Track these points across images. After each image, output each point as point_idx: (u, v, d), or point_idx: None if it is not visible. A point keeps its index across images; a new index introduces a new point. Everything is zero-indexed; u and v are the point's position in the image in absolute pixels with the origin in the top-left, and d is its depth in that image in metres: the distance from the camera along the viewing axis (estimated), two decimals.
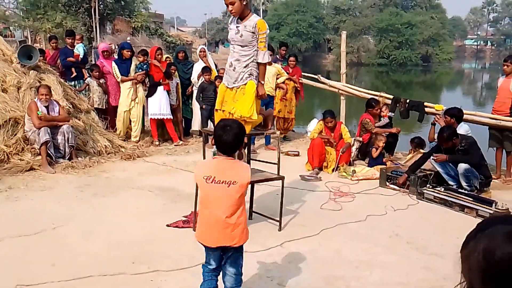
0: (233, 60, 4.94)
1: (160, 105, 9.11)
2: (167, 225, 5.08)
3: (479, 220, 5.64)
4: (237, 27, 4.86)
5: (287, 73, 9.59)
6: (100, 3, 32.90)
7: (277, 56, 10.42)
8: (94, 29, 31.31)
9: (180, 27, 74.24)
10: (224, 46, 58.27)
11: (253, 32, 4.79)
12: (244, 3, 4.73)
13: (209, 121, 9.18)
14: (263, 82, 5.01)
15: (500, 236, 1.07)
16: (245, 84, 4.89)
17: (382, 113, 8.54)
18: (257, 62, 4.88)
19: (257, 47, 4.84)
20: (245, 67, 4.88)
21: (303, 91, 10.03)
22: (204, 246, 3.15)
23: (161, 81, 9.12)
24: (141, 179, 6.98)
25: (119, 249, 4.46)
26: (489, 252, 1.07)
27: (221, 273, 3.22)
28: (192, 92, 9.92)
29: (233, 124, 3.18)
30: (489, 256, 1.07)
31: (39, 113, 7.30)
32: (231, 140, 3.06)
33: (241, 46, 4.87)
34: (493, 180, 6.81)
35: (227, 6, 4.77)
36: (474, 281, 1.10)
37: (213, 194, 3.02)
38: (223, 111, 5.04)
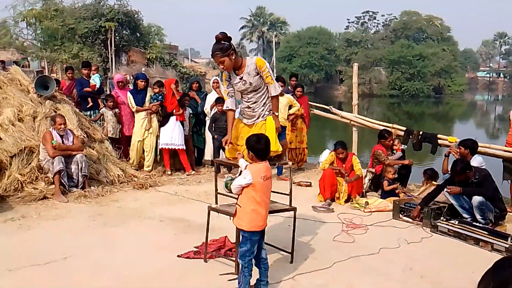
0: (250, 103, 4.98)
1: (172, 135, 9.17)
2: (178, 256, 5.05)
3: (494, 254, 5.54)
4: (241, 78, 4.90)
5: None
6: (116, 35, 33.60)
7: (289, 87, 10.50)
8: (110, 60, 31.90)
9: (194, 59, 75.27)
10: None
11: (257, 73, 4.86)
12: (233, 56, 4.74)
13: (221, 151, 9.21)
14: (277, 114, 5.04)
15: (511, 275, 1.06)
16: (265, 120, 4.94)
17: (394, 146, 8.52)
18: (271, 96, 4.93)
19: (266, 83, 4.90)
20: (263, 105, 4.96)
21: (308, 118, 10.09)
22: (253, 233, 4.12)
23: (174, 111, 9.21)
24: (152, 209, 6.98)
25: (129, 284, 4.42)
26: None
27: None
28: (204, 122, 10.01)
29: (262, 135, 4.34)
30: None
31: (54, 142, 7.39)
32: (265, 147, 4.17)
33: (255, 91, 4.94)
34: (508, 213, 6.70)
35: (218, 64, 4.82)
36: None
37: (266, 187, 4.18)
38: (238, 145, 5.05)
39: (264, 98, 4.95)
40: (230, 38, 4.77)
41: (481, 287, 1.11)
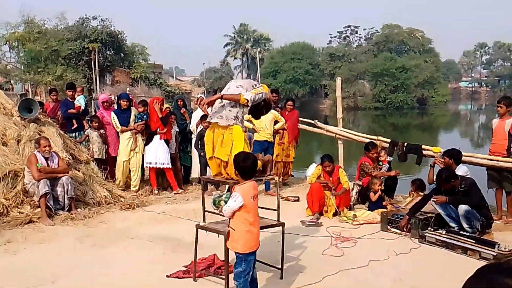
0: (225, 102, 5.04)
1: (156, 154, 9.15)
2: (167, 276, 5.01)
3: (482, 262, 5.59)
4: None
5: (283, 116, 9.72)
6: (100, 55, 33.56)
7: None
8: (94, 81, 31.81)
9: (179, 77, 75.41)
10: None
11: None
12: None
13: (207, 168, 9.18)
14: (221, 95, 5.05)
15: (492, 280, 1.08)
16: (232, 128, 4.94)
17: (381, 158, 8.59)
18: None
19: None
20: (232, 106, 4.98)
21: (298, 132, 10.14)
22: (249, 253, 4.13)
23: (157, 130, 9.19)
24: (140, 229, 6.93)
25: None
26: None
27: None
28: (190, 140, 10.01)
29: (249, 154, 4.38)
30: None
31: (39, 165, 7.33)
32: (252, 166, 4.18)
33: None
34: (494, 221, 6.77)
35: None
36: None
37: (256, 207, 4.22)
38: (216, 158, 5.06)
39: (236, 105, 4.99)
40: None
41: None
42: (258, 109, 5.29)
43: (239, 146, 4.85)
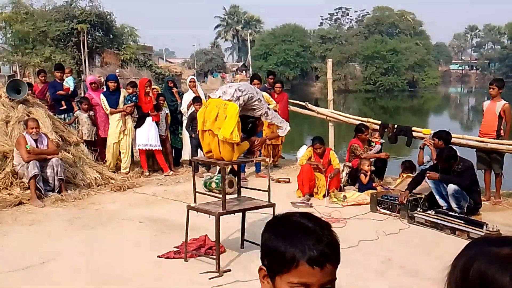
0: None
1: (148, 136, 9.11)
2: (158, 257, 5.02)
3: None
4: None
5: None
6: (89, 36, 33.14)
7: (266, 84, 10.51)
8: (83, 62, 31.46)
9: (169, 59, 74.74)
10: (213, 77, 58.69)
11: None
12: None
13: (199, 150, 9.18)
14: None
15: (478, 256, 1.10)
16: (227, 104, 4.77)
17: (374, 139, 8.62)
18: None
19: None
20: (240, 90, 4.86)
21: (288, 115, 10.07)
22: None
23: (149, 112, 9.14)
24: (131, 210, 6.93)
25: (109, 285, 4.39)
26: (465, 271, 1.10)
27: None
28: (181, 121, 9.97)
29: None
30: (465, 275, 1.10)
31: (28, 146, 7.27)
32: None
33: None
34: (483, 202, 6.84)
35: None
36: None
37: None
38: (206, 131, 4.91)
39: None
40: None
41: (451, 267, 1.15)
42: (253, 125, 5.19)
43: (231, 123, 4.68)
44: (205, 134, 4.97)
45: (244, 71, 62.18)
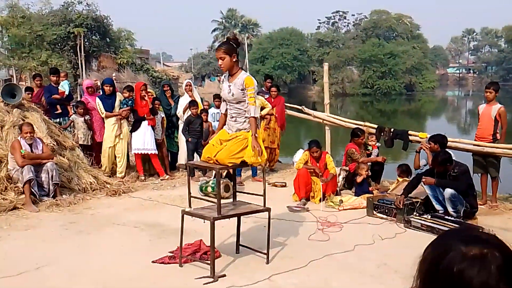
0: (233, 114, 5.02)
1: (144, 140, 9.07)
2: (153, 262, 4.99)
3: None
4: (228, 86, 4.99)
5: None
6: (86, 40, 33.16)
7: (263, 88, 10.50)
8: (80, 66, 31.46)
9: (166, 63, 74.85)
10: (210, 80, 58.76)
11: (242, 90, 4.90)
12: (234, 59, 4.88)
13: (195, 154, 9.16)
14: (257, 135, 5.01)
15: (449, 253, 1.15)
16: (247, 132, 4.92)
17: (371, 143, 8.60)
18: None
19: (247, 102, 4.91)
20: (245, 119, 4.96)
21: (284, 119, 10.05)
22: None
23: (145, 116, 9.11)
24: (126, 215, 6.90)
25: None
26: (435, 265, 1.15)
27: None
28: (177, 125, 9.95)
29: None
30: (435, 270, 1.15)
31: (22, 151, 7.24)
32: None
33: (237, 103, 4.97)
34: (479, 206, 6.83)
35: (218, 60, 4.94)
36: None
37: None
38: (213, 145, 4.98)
39: (245, 114, 4.96)
40: (239, 44, 5.03)
41: (422, 259, 1.21)
42: None
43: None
44: (211, 147, 4.99)
45: None
